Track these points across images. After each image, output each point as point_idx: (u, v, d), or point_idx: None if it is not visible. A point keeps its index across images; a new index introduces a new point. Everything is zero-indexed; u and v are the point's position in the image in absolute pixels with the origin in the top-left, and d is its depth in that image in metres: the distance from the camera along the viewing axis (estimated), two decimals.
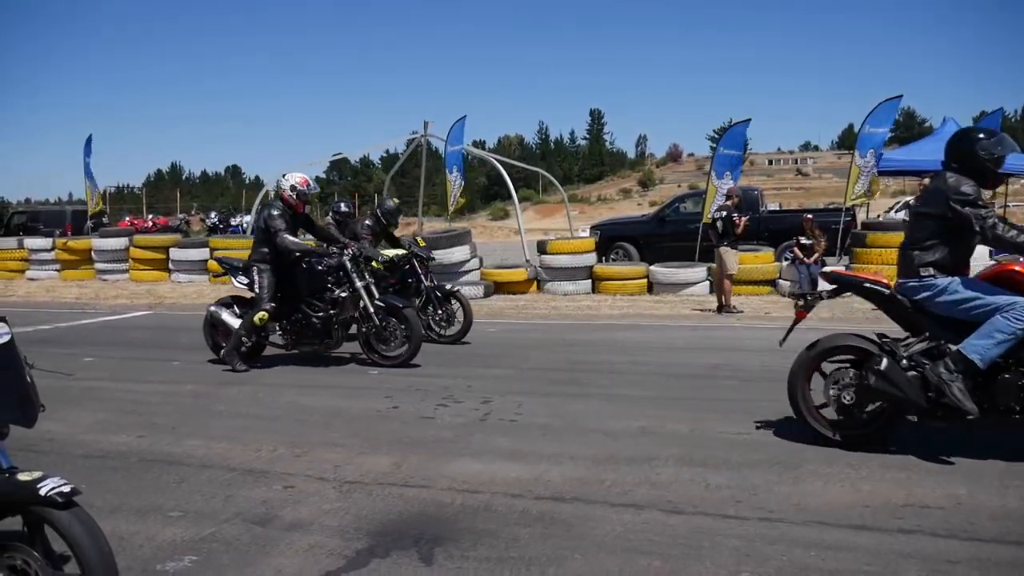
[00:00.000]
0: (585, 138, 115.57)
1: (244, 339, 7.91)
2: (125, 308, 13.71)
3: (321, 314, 7.98)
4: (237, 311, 8.23)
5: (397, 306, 7.93)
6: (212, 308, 8.33)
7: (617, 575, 3.33)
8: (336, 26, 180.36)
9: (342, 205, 12.24)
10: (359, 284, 7.95)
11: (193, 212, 50.41)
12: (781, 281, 13.90)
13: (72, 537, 2.40)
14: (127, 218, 38.69)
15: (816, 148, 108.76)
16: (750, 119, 16.57)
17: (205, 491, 4.38)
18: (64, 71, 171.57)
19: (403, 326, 7.88)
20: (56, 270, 18.86)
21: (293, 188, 8.06)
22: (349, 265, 7.94)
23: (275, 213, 7.92)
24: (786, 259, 14.20)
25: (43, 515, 2.43)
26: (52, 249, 19.02)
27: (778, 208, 25.22)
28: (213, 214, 38.05)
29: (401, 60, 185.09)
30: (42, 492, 2.38)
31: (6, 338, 2.60)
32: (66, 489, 2.41)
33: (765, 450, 4.99)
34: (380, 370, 7.79)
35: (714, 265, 13.27)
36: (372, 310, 7.92)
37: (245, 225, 25.53)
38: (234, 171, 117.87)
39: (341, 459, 4.93)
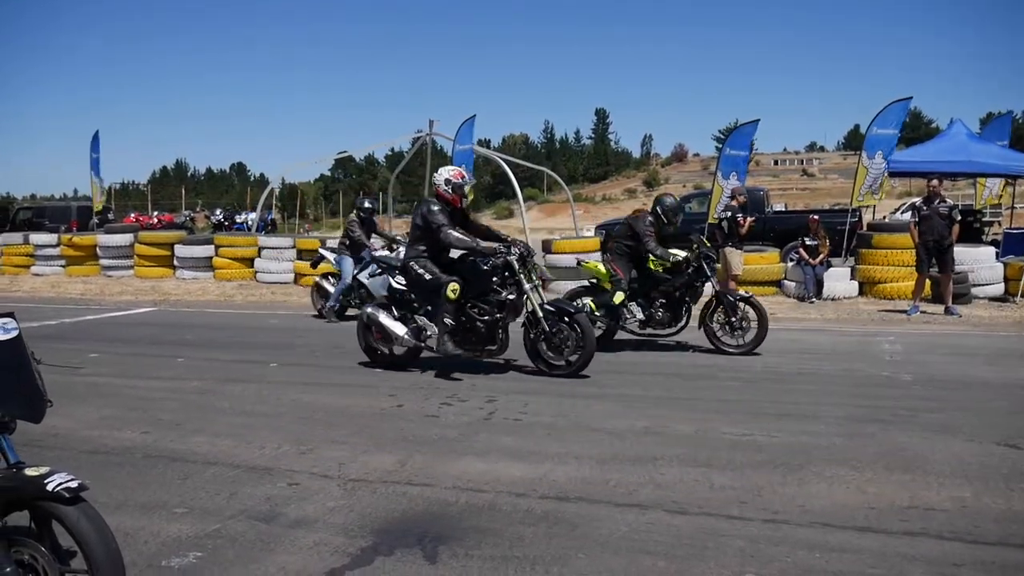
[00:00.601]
0: (590, 137, 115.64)
1: (450, 320, 7.35)
2: (130, 304, 13.74)
3: (487, 317, 7.39)
4: (396, 313, 7.74)
5: (568, 310, 7.44)
6: (369, 310, 7.83)
7: (621, 575, 3.33)
8: (342, 24, 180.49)
9: (366, 202, 12.21)
10: (527, 286, 7.38)
11: (198, 209, 50.51)
12: (786, 282, 13.88)
13: (79, 532, 2.39)
14: (132, 214, 38.78)
15: (822, 149, 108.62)
16: (758, 120, 16.55)
17: (210, 488, 4.39)
18: (69, 67, 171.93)
19: (575, 332, 7.29)
20: (61, 266, 18.89)
21: (448, 182, 7.57)
22: (516, 265, 7.33)
23: (435, 208, 7.44)
24: (791, 260, 14.17)
25: (50, 510, 2.42)
26: (57, 245, 19.05)
27: (783, 209, 25.16)
28: (219, 211, 38.14)
29: (406, 58, 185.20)
30: (49, 487, 2.38)
31: (14, 333, 2.61)
32: (73, 484, 2.41)
33: (769, 451, 4.98)
34: (384, 369, 7.79)
35: (719, 266, 13.25)
36: (541, 314, 7.36)
37: (250, 223, 25.59)
38: (239, 168, 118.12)
39: (346, 457, 4.93)
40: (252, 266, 16.91)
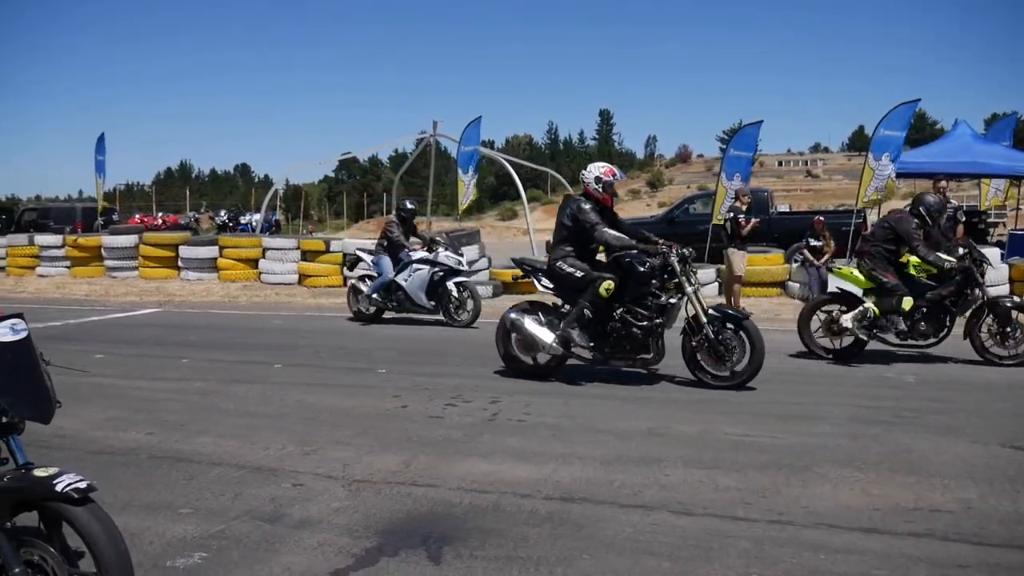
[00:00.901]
0: (594, 138, 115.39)
1: (587, 312, 6.93)
2: (135, 305, 13.76)
3: (644, 323, 6.84)
4: (542, 318, 7.25)
5: (737, 316, 6.93)
6: (513, 315, 7.26)
7: None
8: (346, 25, 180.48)
9: (408, 203, 12.18)
10: (689, 289, 6.87)
11: (202, 210, 50.61)
12: (790, 283, 13.87)
13: (88, 533, 2.40)
14: (137, 215, 38.83)
15: (826, 150, 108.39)
16: (762, 121, 16.46)
17: (215, 488, 4.40)
18: (73, 68, 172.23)
19: (743, 340, 6.75)
20: (66, 267, 18.92)
21: (598, 180, 7.19)
22: (678, 266, 6.83)
23: (585, 207, 7.03)
24: (796, 261, 14.16)
25: (59, 511, 2.43)
26: (62, 246, 19.07)
27: (788, 210, 25.14)
28: (223, 212, 38.18)
29: (410, 59, 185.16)
30: (58, 488, 2.37)
31: (23, 334, 2.61)
32: (82, 485, 2.41)
33: (774, 452, 4.98)
34: (388, 369, 7.80)
35: (723, 267, 13.24)
36: (705, 320, 6.84)
37: (254, 224, 25.62)
38: (243, 170, 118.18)
39: (350, 458, 4.94)
40: (256, 267, 16.93)
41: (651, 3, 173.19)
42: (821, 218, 14.36)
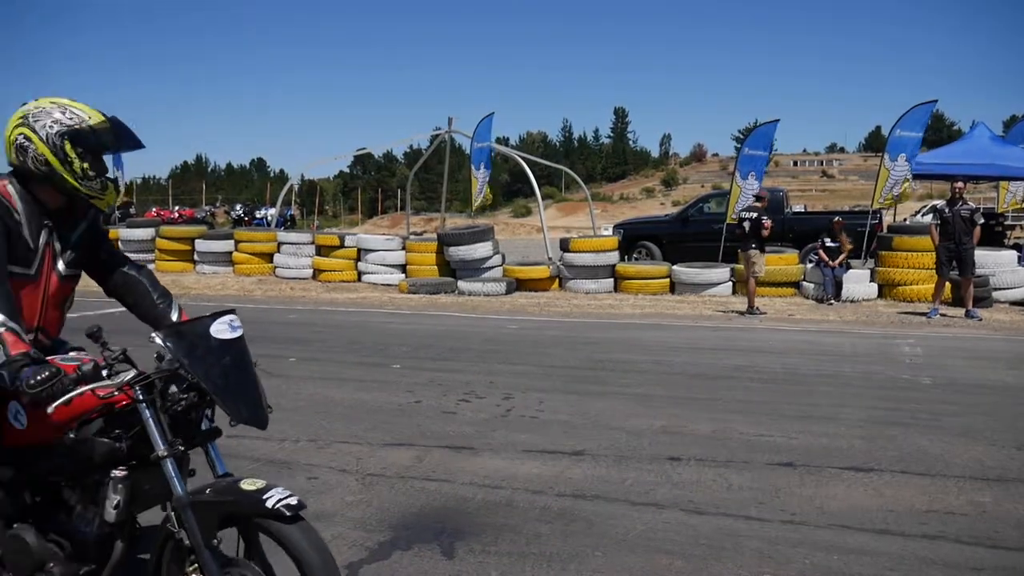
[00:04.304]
0: (609, 136, 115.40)
1: None
2: None
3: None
4: None
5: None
6: None
7: (638, 574, 3.33)
8: (362, 21, 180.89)
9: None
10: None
11: (218, 204, 50.79)
12: (805, 283, 13.81)
13: (299, 553, 2.18)
14: (154, 209, 39.06)
15: (842, 150, 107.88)
16: (778, 120, 16.42)
17: None
18: (92, 62, 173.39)
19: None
20: None
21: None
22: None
23: None
24: (811, 261, 14.10)
25: (267, 527, 2.22)
26: None
27: (803, 210, 25.02)
28: (239, 206, 38.33)
29: (426, 56, 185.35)
30: (268, 504, 2.17)
31: (240, 332, 2.44)
32: (293, 501, 2.20)
33: (787, 452, 4.97)
34: (402, 364, 7.82)
35: (738, 266, 13.20)
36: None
37: (270, 218, 25.72)
38: (259, 164, 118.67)
39: (364, 452, 4.96)
40: (271, 261, 17.02)
41: (667, 2, 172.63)
42: (840, 219, 14.29)
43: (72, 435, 2.39)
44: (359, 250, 16.23)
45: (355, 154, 50.97)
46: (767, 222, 11.78)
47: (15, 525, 2.49)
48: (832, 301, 12.89)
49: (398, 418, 5.81)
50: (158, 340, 2.38)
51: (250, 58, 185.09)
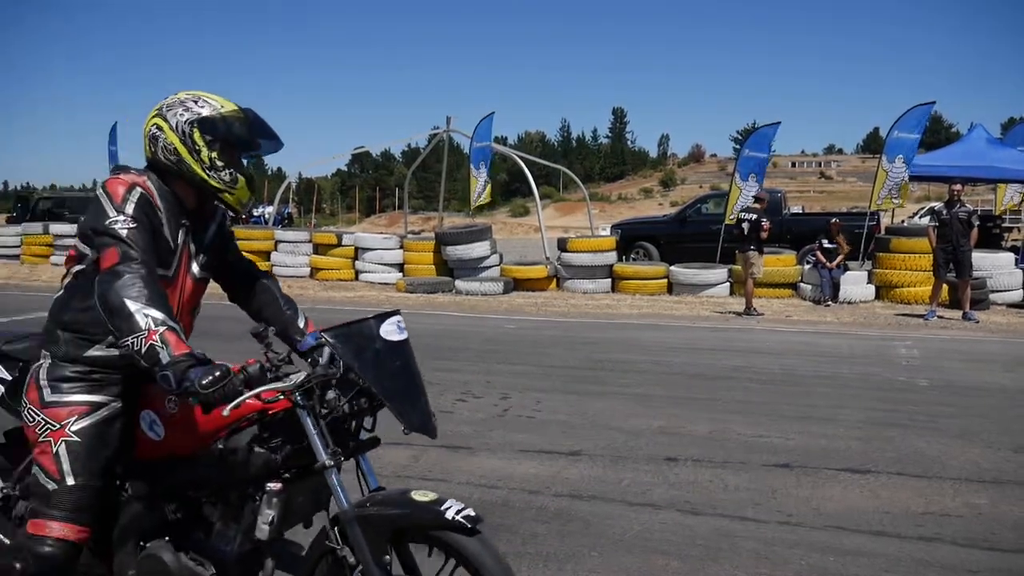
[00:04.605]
0: (607, 136, 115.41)
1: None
2: None
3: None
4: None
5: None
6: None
7: (635, 574, 3.33)
8: (359, 20, 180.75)
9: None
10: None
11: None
12: (802, 284, 13.82)
13: (481, 565, 2.05)
14: None
15: (840, 151, 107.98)
16: (779, 122, 16.37)
17: None
18: (89, 62, 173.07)
19: None
20: None
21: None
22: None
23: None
24: (808, 262, 14.11)
25: (447, 541, 2.08)
26: (77, 236, 19.20)
27: (801, 211, 25.05)
28: None
29: (424, 55, 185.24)
30: (448, 515, 2.04)
31: (406, 334, 2.29)
32: (472, 513, 2.07)
33: (784, 453, 4.97)
34: None
35: (736, 267, 13.20)
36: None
37: (267, 216, 25.70)
38: (256, 162, 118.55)
39: None
40: (269, 260, 16.99)
41: (667, 2, 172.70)
42: (837, 220, 14.31)
43: (221, 445, 2.25)
44: (357, 249, 16.21)
45: (353, 153, 50.95)
46: (766, 224, 11.78)
47: (148, 544, 2.34)
48: (829, 302, 12.90)
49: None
50: (328, 340, 2.23)
51: (249, 57, 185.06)
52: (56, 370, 2.32)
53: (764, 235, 11.81)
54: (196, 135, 2.31)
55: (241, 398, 2.05)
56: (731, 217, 14.41)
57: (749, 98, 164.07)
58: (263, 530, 2.19)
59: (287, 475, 2.23)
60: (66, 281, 2.39)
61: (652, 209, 57.67)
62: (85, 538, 2.28)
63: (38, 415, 2.28)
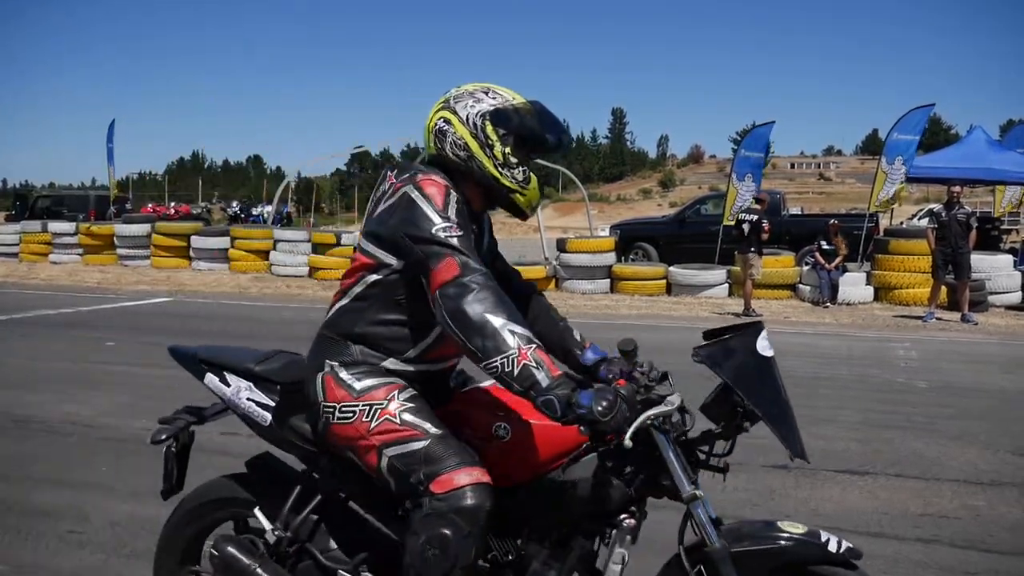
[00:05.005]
0: (607, 137, 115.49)
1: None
2: (146, 294, 13.82)
3: None
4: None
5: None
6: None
7: (632, 574, 3.32)
8: (359, 19, 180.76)
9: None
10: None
11: (214, 201, 50.77)
12: (801, 286, 13.83)
13: None
14: (150, 205, 39.02)
15: (839, 152, 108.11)
16: (773, 121, 16.44)
17: None
18: (89, 57, 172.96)
19: None
20: (79, 254, 19.02)
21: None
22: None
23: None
24: (807, 264, 14.12)
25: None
26: (75, 234, 19.19)
27: (799, 212, 25.06)
28: (235, 203, 38.33)
29: (423, 54, 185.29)
30: (831, 548, 1.89)
31: (771, 351, 2.04)
32: (851, 545, 1.91)
33: (783, 454, 4.94)
34: None
35: (735, 268, 13.21)
36: None
37: (266, 215, 25.71)
38: (256, 161, 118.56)
39: None
40: (267, 259, 17.00)
41: (667, 2, 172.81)
42: (835, 221, 14.31)
43: (557, 475, 2.03)
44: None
45: (352, 152, 50.91)
46: (767, 225, 11.79)
47: None
48: (828, 304, 12.91)
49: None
50: (701, 356, 2.07)
51: (249, 55, 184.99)
52: (355, 368, 2.14)
53: (765, 236, 11.82)
54: (489, 128, 2.12)
55: (636, 424, 1.86)
56: (731, 218, 14.42)
57: (749, 99, 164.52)
58: (613, 571, 2.03)
59: (633, 508, 2.06)
60: (354, 290, 2.15)
61: (651, 210, 57.65)
62: (490, 481, 1.97)
63: (355, 407, 2.09)
